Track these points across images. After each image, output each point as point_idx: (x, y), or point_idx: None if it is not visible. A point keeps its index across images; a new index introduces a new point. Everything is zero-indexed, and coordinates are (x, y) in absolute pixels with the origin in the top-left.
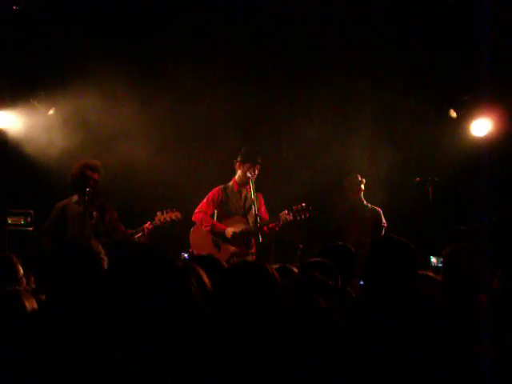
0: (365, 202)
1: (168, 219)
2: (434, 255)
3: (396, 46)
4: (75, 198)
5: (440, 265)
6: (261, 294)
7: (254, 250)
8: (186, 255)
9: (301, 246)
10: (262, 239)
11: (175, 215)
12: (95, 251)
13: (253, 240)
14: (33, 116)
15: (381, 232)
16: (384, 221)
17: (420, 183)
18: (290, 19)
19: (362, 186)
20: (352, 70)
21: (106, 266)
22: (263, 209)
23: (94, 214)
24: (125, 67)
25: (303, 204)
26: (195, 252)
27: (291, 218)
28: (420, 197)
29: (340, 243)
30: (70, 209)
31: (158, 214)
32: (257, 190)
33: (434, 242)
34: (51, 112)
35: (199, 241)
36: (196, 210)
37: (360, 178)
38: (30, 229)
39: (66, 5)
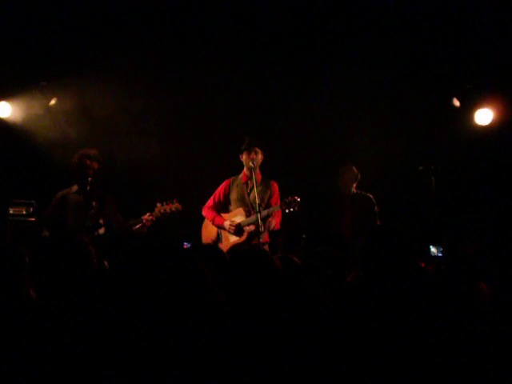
0: (356, 191)
1: (168, 210)
2: (434, 245)
3: (399, 34)
4: (75, 187)
5: (440, 254)
6: (262, 280)
7: (267, 239)
8: (187, 245)
9: (304, 235)
10: (269, 229)
11: (175, 207)
12: (85, 248)
13: (263, 227)
14: (34, 106)
15: (375, 219)
16: (376, 207)
17: (423, 172)
18: (294, 4)
19: (356, 180)
20: (356, 58)
21: (94, 260)
22: (274, 198)
23: (94, 203)
24: (130, 59)
25: (295, 197)
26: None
27: (290, 208)
28: (423, 185)
29: (332, 231)
30: (69, 198)
31: (158, 205)
32: (270, 177)
33: (435, 232)
34: (53, 102)
35: (207, 234)
36: (205, 205)
37: (356, 172)
38: (32, 219)
39: None
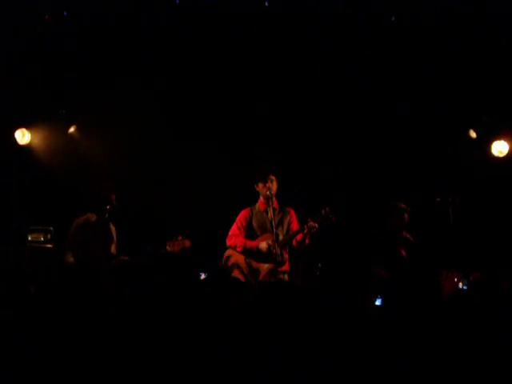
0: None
1: (177, 249)
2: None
3: (415, 65)
4: (94, 215)
5: (465, 287)
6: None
7: (287, 268)
8: (203, 275)
9: (320, 265)
10: (293, 254)
11: (184, 243)
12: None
13: (285, 256)
14: (53, 134)
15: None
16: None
17: (441, 203)
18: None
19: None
20: (372, 90)
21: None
22: (294, 224)
23: (111, 232)
24: (149, 88)
25: (327, 208)
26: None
27: (315, 224)
28: (441, 217)
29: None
30: (90, 226)
31: (169, 243)
32: (285, 204)
33: (454, 262)
34: (72, 130)
35: (232, 264)
36: (229, 235)
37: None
38: (50, 245)
39: (91, 24)
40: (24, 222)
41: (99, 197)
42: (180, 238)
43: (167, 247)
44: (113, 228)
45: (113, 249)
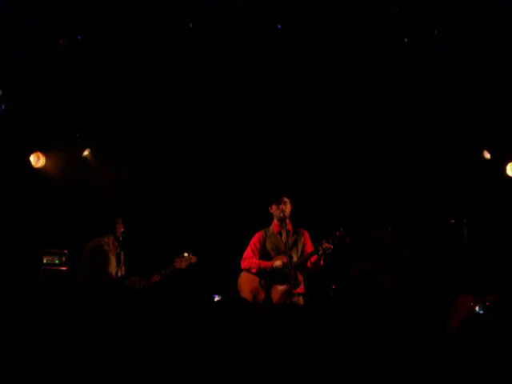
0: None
1: (183, 266)
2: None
3: (427, 86)
4: (106, 240)
5: (481, 312)
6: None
7: (302, 290)
8: (217, 297)
9: (333, 286)
10: (309, 276)
11: (190, 259)
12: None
13: (300, 278)
14: (68, 157)
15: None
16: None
17: (455, 225)
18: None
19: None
20: (385, 110)
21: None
22: (308, 245)
23: (122, 257)
24: (162, 112)
25: (341, 229)
26: (247, 298)
27: (330, 246)
28: (455, 238)
29: None
30: (104, 250)
31: (176, 260)
32: (301, 226)
33: (468, 285)
34: (86, 153)
35: (247, 286)
36: (243, 257)
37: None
38: (65, 268)
39: (106, 49)
40: (38, 245)
41: (109, 221)
42: (186, 254)
43: (175, 264)
44: (121, 251)
45: (122, 271)
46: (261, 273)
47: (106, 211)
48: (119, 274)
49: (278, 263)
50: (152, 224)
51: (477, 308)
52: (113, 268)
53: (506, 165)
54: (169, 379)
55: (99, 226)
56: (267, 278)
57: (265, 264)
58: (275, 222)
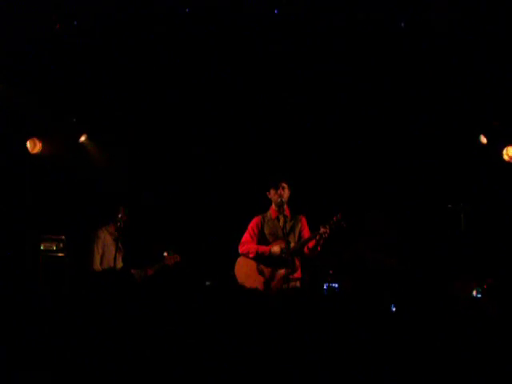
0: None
1: (170, 263)
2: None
3: (424, 71)
4: (107, 227)
5: (479, 296)
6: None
7: (299, 275)
8: (208, 283)
9: (330, 271)
10: (306, 261)
11: (175, 258)
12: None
13: (297, 263)
14: (64, 142)
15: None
16: None
17: (452, 210)
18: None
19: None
20: (386, 95)
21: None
22: (305, 231)
23: (120, 245)
24: (160, 96)
25: (338, 215)
26: (244, 283)
27: (327, 230)
28: (452, 224)
29: None
30: (106, 237)
31: (166, 257)
32: (298, 212)
33: (465, 270)
34: (83, 139)
35: (244, 271)
36: (241, 242)
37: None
38: (62, 254)
39: (102, 33)
40: (36, 232)
41: (112, 210)
42: (174, 255)
43: (165, 260)
44: (119, 239)
45: (119, 260)
46: (258, 257)
47: (107, 199)
48: (117, 263)
49: (275, 249)
50: (149, 210)
51: (474, 292)
52: (112, 257)
53: (503, 150)
54: (168, 365)
55: (102, 214)
56: (265, 263)
57: (263, 249)
58: (273, 207)
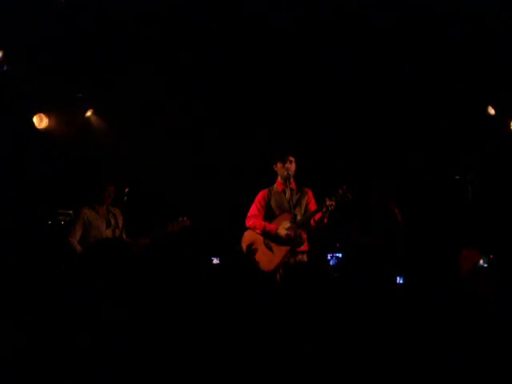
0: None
1: (176, 229)
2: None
3: (432, 44)
4: (95, 204)
5: (485, 265)
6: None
7: (306, 248)
8: (216, 260)
9: (338, 244)
10: (312, 234)
11: (184, 223)
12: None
13: (304, 236)
14: (71, 118)
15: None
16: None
17: (459, 181)
18: None
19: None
20: (390, 69)
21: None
22: (312, 204)
23: (112, 221)
24: (163, 75)
25: (343, 187)
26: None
27: (333, 202)
28: (460, 195)
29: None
30: (92, 214)
31: (170, 224)
32: (304, 185)
33: (473, 241)
34: (89, 114)
35: (252, 245)
36: (248, 215)
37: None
38: None
39: (107, 8)
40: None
41: (98, 190)
42: (181, 218)
43: (167, 228)
44: (119, 216)
45: (117, 233)
46: (265, 234)
47: (95, 179)
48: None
49: (282, 233)
50: (154, 184)
51: (481, 261)
52: (98, 233)
53: (511, 120)
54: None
55: (89, 193)
56: (271, 238)
57: (269, 227)
58: (279, 180)
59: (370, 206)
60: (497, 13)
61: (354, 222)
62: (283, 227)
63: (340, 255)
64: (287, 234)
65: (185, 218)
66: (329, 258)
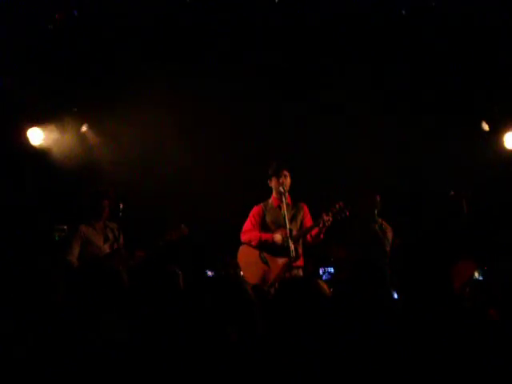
0: (380, 221)
1: (174, 237)
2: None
3: (426, 59)
4: (91, 220)
5: (480, 278)
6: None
7: (301, 263)
8: (210, 273)
9: (332, 259)
10: (308, 249)
11: (182, 231)
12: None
13: (300, 251)
14: (66, 132)
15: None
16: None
17: (454, 196)
18: None
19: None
20: (388, 83)
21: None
22: (307, 219)
23: (110, 236)
24: (159, 87)
25: (340, 203)
26: (244, 274)
27: (330, 218)
28: (454, 210)
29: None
30: (89, 230)
31: (168, 232)
32: (299, 199)
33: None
34: (84, 128)
35: (247, 260)
36: (243, 230)
37: (378, 199)
38: None
39: (102, 23)
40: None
41: (92, 205)
42: (180, 226)
43: (165, 236)
44: (116, 230)
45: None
46: (261, 245)
47: (89, 193)
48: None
49: (278, 237)
50: (149, 199)
51: (476, 274)
52: (96, 248)
53: (504, 136)
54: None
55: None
56: (267, 251)
57: (266, 236)
58: (274, 195)
59: (353, 220)
60: (492, 29)
61: (332, 238)
62: (280, 233)
63: (332, 270)
64: (283, 237)
65: (183, 226)
66: (321, 272)
